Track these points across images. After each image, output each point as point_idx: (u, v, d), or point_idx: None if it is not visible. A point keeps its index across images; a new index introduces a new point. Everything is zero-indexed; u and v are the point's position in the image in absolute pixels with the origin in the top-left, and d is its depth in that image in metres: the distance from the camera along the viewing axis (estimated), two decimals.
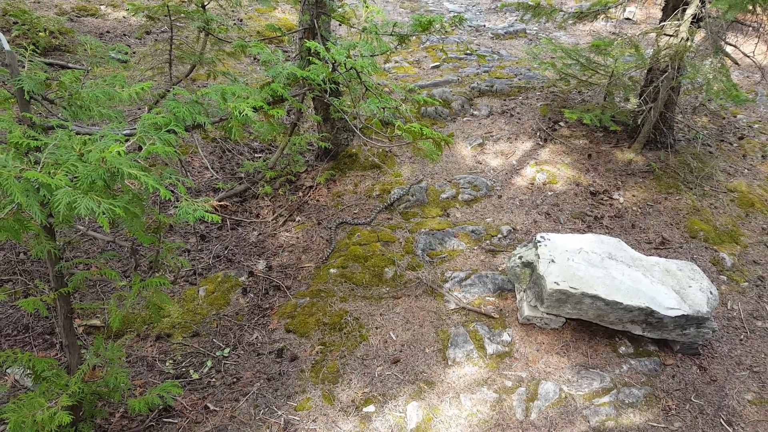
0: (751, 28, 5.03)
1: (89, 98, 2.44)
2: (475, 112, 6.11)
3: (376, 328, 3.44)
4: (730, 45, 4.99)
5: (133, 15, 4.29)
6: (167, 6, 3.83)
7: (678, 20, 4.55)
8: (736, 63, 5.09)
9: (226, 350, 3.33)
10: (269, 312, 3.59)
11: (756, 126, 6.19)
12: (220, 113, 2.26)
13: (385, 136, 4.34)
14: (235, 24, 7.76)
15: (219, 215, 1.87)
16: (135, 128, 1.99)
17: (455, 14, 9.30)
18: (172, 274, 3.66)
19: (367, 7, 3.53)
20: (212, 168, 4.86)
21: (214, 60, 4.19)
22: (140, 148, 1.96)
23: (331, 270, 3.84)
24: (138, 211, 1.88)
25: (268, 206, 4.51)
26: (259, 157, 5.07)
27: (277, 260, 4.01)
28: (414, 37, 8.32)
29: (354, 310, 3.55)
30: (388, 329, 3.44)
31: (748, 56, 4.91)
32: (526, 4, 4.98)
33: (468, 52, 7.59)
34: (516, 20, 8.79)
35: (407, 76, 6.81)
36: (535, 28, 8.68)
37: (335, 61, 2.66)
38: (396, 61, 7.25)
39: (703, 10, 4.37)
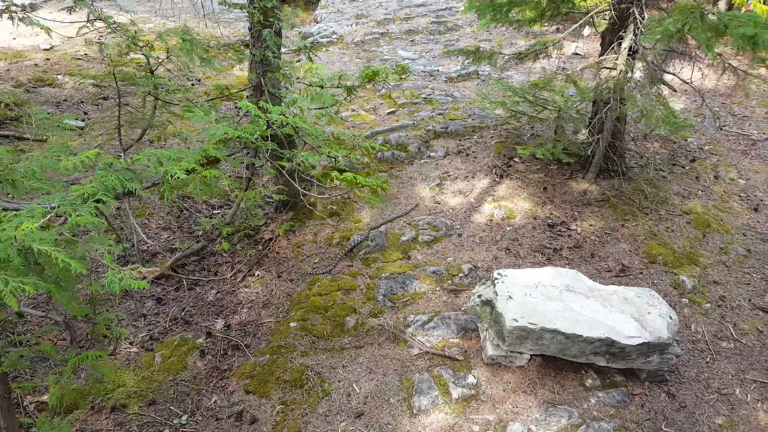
0: (687, 57, 5.26)
1: (25, 172, 2.41)
2: (431, 154, 6.20)
3: (339, 381, 3.34)
4: (670, 74, 5.20)
5: (79, 84, 4.30)
6: (113, 74, 3.84)
7: (615, 53, 4.75)
8: (674, 90, 5.29)
9: (184, 417, 3.18)
10: (228, 373, 3.47)
11: (707, 148, 6.40)
12: (155, 178, 2.24)
13: (335, 186, 4.36)
14: (192, 84, 7.85)
15: (147, 282, 1.82)
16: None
17: (408, 61, 9.59)
18: (112, 345, 3.52)
19: (310, 63, 3.60)
20: (170, 228, 4.79)
21: (164, 123, 4.19)
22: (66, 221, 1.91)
23: (291, 324, 3.75)
24: (64, 285, 1.82)
25: (226, 263, 4.44)
26: (218, 213, 5.03)
27: (237, 318, 3.91)
28: (369, 86, 8.54)
29: (315, 365, 3.45)
30: (351, 381, 3.34)
31: (687, 83, 5.11)
32: (467, 50, 5.15)
33: (423, 96, 7.77)
34: (468, 62, 9.11)
35: (364, 124, 6.92)
36: (487, 69, 8.96)
37: (269, 119, 2.69)
38: (353, 110, 7.38)
39: (638, 43, 4.56)
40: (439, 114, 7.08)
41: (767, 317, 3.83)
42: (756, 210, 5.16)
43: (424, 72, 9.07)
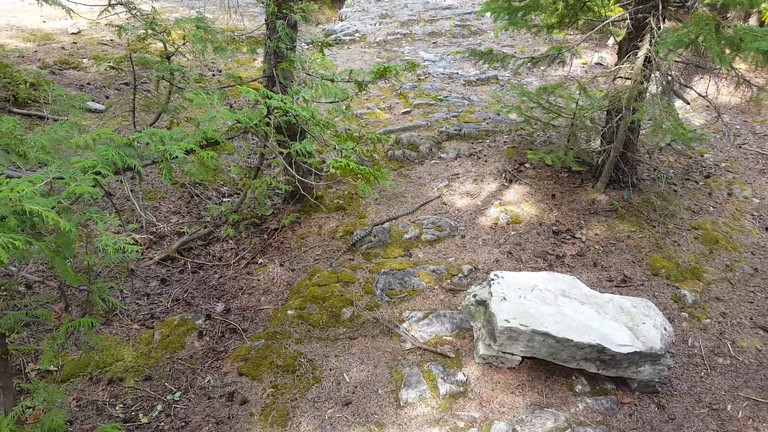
0: (706, 71, 5.21)
1: (34, 145, 2.51)
2: (442, 155, 6.23)
3: (330, 369, 3.39)
4: (686, 86, 5.16)
5: (96, 67, 4.43)
6: (130, 58, 3.95)
7: (631, 63, 4.72)
8: (688, 102, 5.24)
9: (177, 394, 3.26)
10: (223, 355, 3.54)
11: (723, 165, 6.31)
12: (155, 156, 2.31)
13: (329, 174, 4.42)
14: (213, 75, 7.99)
15: (141, 246, 1.89)
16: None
17: (428, 63, 9.62)
18: (107, 315, 3.62)
19: (321, 56, 3.66)
20: (179, 212, 4.89)
21: (178, 108, 4.30)
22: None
23: (289, 312, 3.81)
24: (61, 251, 1.89)
25: (231, 249, 4.52)
26: (227, 201, 5.12)
27: (237, 303, 3.98)
28: (387, 86, 8.58)
29: (309, 352, 3.50)
30: (343, 370, 3.38)
31: (702, 96, 5.06)
32: (480, 52, 5.16)
33: (440, 97, 7.80)
34: (481, 64, 9.12)
35: (378, 122, 6.97)
36: (507, 75, 8.95)
37: (269, 106, 2.75)
38: (368, 108, 7.43)
39: (653, 53, 4.54)
40: (454, 116, 7.10)
41: (767, 337, 3.78)
42: (767, 230, 5.08)
43: (444, 74, 9.09)
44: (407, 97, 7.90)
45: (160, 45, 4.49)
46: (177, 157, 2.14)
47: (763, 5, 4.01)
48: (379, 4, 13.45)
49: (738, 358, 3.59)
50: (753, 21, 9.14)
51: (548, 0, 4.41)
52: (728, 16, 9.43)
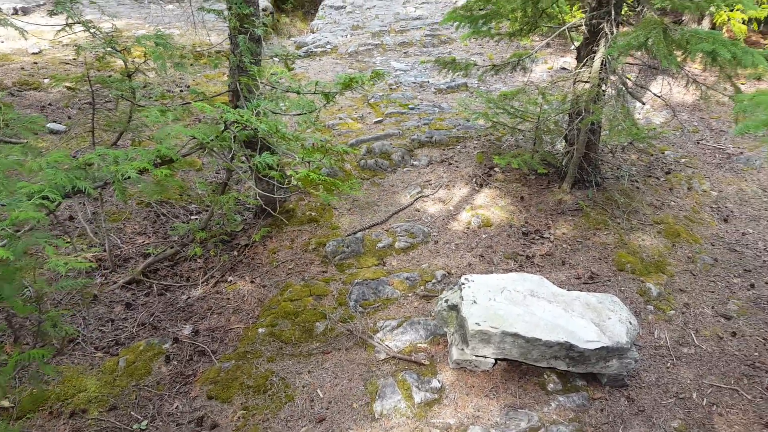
0: (664, 72, 5.36)
1: None
2: (415, 163, 6.27)
3: (303, 386, 3.36)
4: (641, 87, 5.30)
5: (53, 87, 4.35)
6: (87, 77, 3.90)
7: (589, 67, 4.84)
8: (643, 103, 5.39)
9: (144, 423, 3.18)
10: (192, 379, 3.48)
11: (683, 161, 6.49)
12: (108, 177, 2.28)
13: (292, 186, 4.41)
14: (181, 91, 7.92)
15: (93, 263, 1.85)
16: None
17: (400, 72, 9.70)
18: (60, 344, 3.53)
19: (284, 70, 3.67)
20: (145, 233, 4.82)
21: (140, 127, 4.25)
22: None
23: (260, 329, 3.78)
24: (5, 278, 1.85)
25: (200, 268, 4.47)
26: (195, 219, 5.06)
27: (205, 324, 3.93)
28: (358, 96, 8.62)
29: (281, 370, 3.48)
30: (316, 386, 3.37)
31: (658, 96, 5.21)
32: (444, 61, 5.23)
33: (411, 106, 7.86)
34: (454, 76, 9.24)
35: (350, 132, 6.99)
36: (476, 82, 9.07)
37: (225, 120, 2.74)
38: (340, 118, 7.45)
39: (608, 57, 4.66)
40: (425, 124, 7.16)
41: (728, 324, 3.89)
42: (726, 221, 5.24)
43: (415, 83, 9.17)
44: (379, 106, 7.94)
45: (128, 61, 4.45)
46: (130, 177, 2.12)
47: (712, 8, 4.13)
48: (350, 16, 13.50)
49: (701, 346, 3.69)
50: (706, 23, 9.45)
51: (507, 9, 4.50)
52: (683, 19, 9.75)
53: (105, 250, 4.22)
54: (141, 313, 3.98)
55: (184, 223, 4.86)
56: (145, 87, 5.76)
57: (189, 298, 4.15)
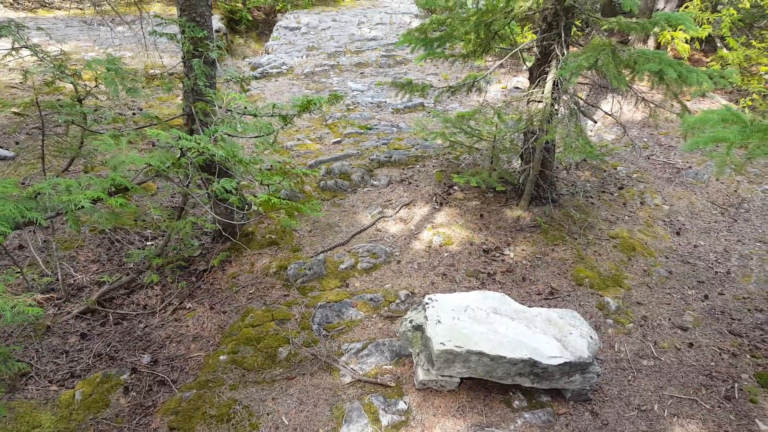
0: (614, 91, 5.58)
1: None
2: (375, 183, 6.29)
3: (268, 414, 3.27)
4: (592, 106, 5.50)
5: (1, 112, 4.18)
6: (37, 102, 3.76)
7: (541, 87, 4.99)
8: (594, 122, 5.59)
9: None
10: (152, 410, 3.35)
11: (635, 176, 6.74)
12: (61, 207, 2.19)
13: (251, 212, 4.36)
14: (134, 113, 7.74)
15: (42, 308, 1.76)
16: None
17: (357, 93, 9.77)
18: (12, 380, 3.35)
19: (239, 94, 3.64)
20: (99, 260, 4.64)
21: (92, 152, 4.12)
22: None
23: (221, 357, 3.67)
24: None
25: (157, 296, 4.32)
26: (151, 245, 4.91)
27: (164, 353, 3.79)
28: (316, 117, 8.62)
29: (244, 398, 3.38)
30: (281, 414, 3.28)
31: (609, 114, 5.42)
32: (400, 83, 5.30)
33: (369, 126, 7.91)
34: (403, 95, 9.37)
35: (309, 153, 6.97)
36: (432, 102, 9.22)
37: (182, 147, 2.69)
38: (298, 139, 7.42)
39: (560, 77, 4.82)
40: (384, 144, 7.21)
41: (685, 335, 4.02)
42: (678, 234, 5.45)
43: (372, 103, 9.24)
44: (337, 126, 7.96)
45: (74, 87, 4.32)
46: (83, 206, 2.04)
47: (656, 29, 4.34)
48: (305, 37, 13.55)
49: (660, 358, 3.79)
50: (651, 43, 9.94)
51: (461, 31, 4.61)
52: (630, 38, 10.23)
53: (57, 280, 4.03)
54: (97, 343, 3.81)
55: (139, 249, 4.71)
56: (96, 110, 5.59)
57: (147, 326, 4.00)
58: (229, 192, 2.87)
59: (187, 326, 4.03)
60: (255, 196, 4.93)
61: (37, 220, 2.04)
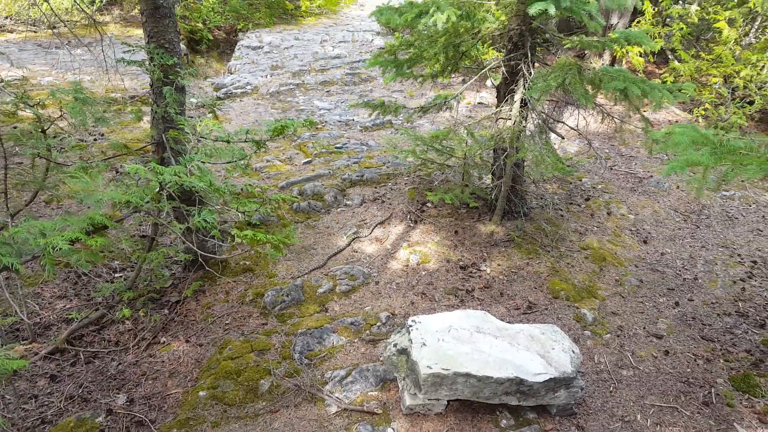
0: (575, 106, 5.74)
1: None
2: (348, 202, 6.27)
3: None
4: (559, 122, 5.65)
5: None
6: None
7: (510, 105, 5.10)
8: (562, 137, 5.74)
9: None
10: None
11: (600, 187, 6.93)
12: (37, 250, 2.09)
13: (235, 245, 4.28)
14: (95, 139, 7.51)
15: (27, 360, 1.67)
16: None
17: (324, 111, 9.77)
18: None
19: (213, 120, 3.58)
20: (66, 296, 4.45)
21: (58, 184, 3.96)
22: None
23: (201, 393, 3.56)
24: None
25: (129, 331, 4.17)
26: (120, 277, 4.74)
27: (140, 391, 3.65)
28: (285, 137, 8.56)
29: None
30: None
31: (574, 129, 5.57)
32: (373, 104, 5.33)
33: (339, 145, 7.90)
34: (376, 115, 9.42)
35: (279, 174, 6.90)
36: (401, 119, 9.28)
37: (162, 182, 2.62)
38: (268, 160, 7.34)
39: (528, 96, 4.93)
40: (355, 162, 7.21)
41: (660, 343, 4.13)
42: (645, 242, 5.62)
43: (340, 122, 9.24)
44: (306, 146, 7.92)
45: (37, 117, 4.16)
46: (61, 248, 1.95)
47: (615, 45, 4.50)
48: (268, 56, 13.48)
49: (639, 367, 3.87)
50: (606, 57, 10.30)
51: (430, 53, 4.67)
52: (586, 53, 10.57)
53: (22, 319, 3.84)
54: (68, 385, 3.64)
55: (108, 282, 4.54)
56: (56, 137, 5.40)
57: (120, 364, 3.84)
58: (213, 226, 2.80)
59: (163, 362, 3.89)
60: (238, 228, 4.86)
61: (13, 265, 1.94)
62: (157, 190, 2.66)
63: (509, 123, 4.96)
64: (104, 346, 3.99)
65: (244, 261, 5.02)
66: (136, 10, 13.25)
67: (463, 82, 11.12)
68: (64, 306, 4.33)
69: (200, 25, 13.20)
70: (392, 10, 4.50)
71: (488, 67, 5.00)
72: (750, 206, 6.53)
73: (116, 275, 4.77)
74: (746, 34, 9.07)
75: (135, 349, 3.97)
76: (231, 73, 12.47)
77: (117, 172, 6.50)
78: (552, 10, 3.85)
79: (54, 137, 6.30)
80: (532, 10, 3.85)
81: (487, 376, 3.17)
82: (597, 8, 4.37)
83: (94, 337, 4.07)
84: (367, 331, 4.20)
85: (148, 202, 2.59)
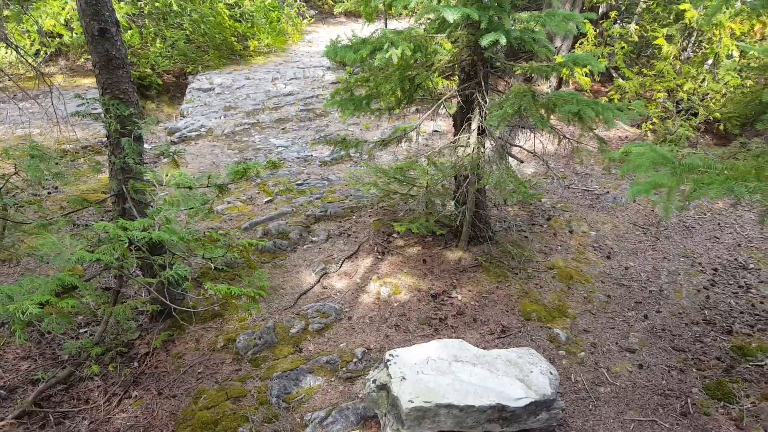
0: (530, 130, 5.95)
1: None
2: (314, 239, 6.25)
3: None
4: (516, 146, 5.84)
5: None
6: None
7: (467, 133, 5.24)
8: (521, 161, 5.93)
9: None
10: None
11: (559, 206, 7.15)
12: (4, 317, 2.01)
13: (207, 297, 4.21)
14: (49, 192, 7.28)
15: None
16: None
17: (281, 149, 9.78)
18: None
19: (174, 167, 3.55)
20: (30, 356, 4.25)
21: (16, 243, 3.82)
22: None
23: None
24: None
25: (99, 387, 3.99)
26: (85, 332, 4.56)
27: None
28: (247, 178, 8.52)
29: None
30: None
31: (532, 152, 5.76)
32: (334, 141, 5.40)
33: (299, 182, 7.91)
34: (344, 152, 9.49)
35: (242, 215, 6.83)
36: (358, 153, 9.38)
37: (131, 238, 2.58)
38: (228, 202, 7.27)
39: (485, 123, 5.10)
40: (317, 198, 7.22)
41: (634, 357, 4.24)
42: (609, 257, 5.80)
43: (299, 158, 9.26)
44: (267, 185, 7.89)
45: None
46: (31, 313, 1.88)
47: (565, 69, 4.73)
48: (220, 97, 13.45)
49: (616, 383, 3.96)
50: (553, 79, 10.74)
51: (387, 88, 4.79)
52: (533, 76, 11.01)
53: None
54: None
55: (73, 339, 4.36)
56: (8, 193, 5.22)
57: (92, 422, 3.67)
58: (185, 278, 2.75)
59: (137, 416, 3.74)
60: (203, 273, 4.75)
61: None
62: (126, 245, 2.60)
63: (469, 150, 5.10)
64: (74, 405, 3.81)
65: (213, 306, 4.92)
66: (83, 60, 13.03)
67: (417, 111, 11.38)
68: (29, 367, 4.12)
69: (149, 70, 13.13)
70: (346, 48, 4.61)
71: (444, 98, 5.15)
72: (705, 215, 6.86)
73: (81, 330, 4.58)
74: (684, 49, 9.66)
75: (106, 406, 3.80)
76: (184, 117, 12.36)
77: (75, 225, 6.30)
78: (503, 40, 4.03)
79: (7, 193, 6.09)
80: (484, 41, 4.01)
81: (470, 405, 3.18)
82: (545, 35, 4.60)
83: (63, 397, 3.87)
84: (344, 369, 4.16)
85: (118, 259, 2.53)
